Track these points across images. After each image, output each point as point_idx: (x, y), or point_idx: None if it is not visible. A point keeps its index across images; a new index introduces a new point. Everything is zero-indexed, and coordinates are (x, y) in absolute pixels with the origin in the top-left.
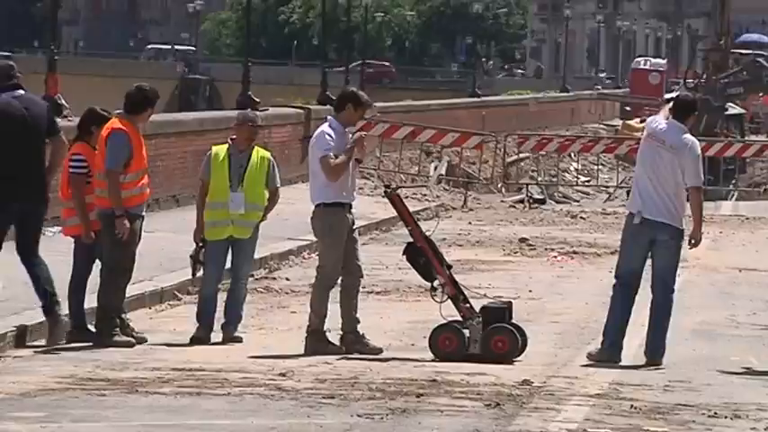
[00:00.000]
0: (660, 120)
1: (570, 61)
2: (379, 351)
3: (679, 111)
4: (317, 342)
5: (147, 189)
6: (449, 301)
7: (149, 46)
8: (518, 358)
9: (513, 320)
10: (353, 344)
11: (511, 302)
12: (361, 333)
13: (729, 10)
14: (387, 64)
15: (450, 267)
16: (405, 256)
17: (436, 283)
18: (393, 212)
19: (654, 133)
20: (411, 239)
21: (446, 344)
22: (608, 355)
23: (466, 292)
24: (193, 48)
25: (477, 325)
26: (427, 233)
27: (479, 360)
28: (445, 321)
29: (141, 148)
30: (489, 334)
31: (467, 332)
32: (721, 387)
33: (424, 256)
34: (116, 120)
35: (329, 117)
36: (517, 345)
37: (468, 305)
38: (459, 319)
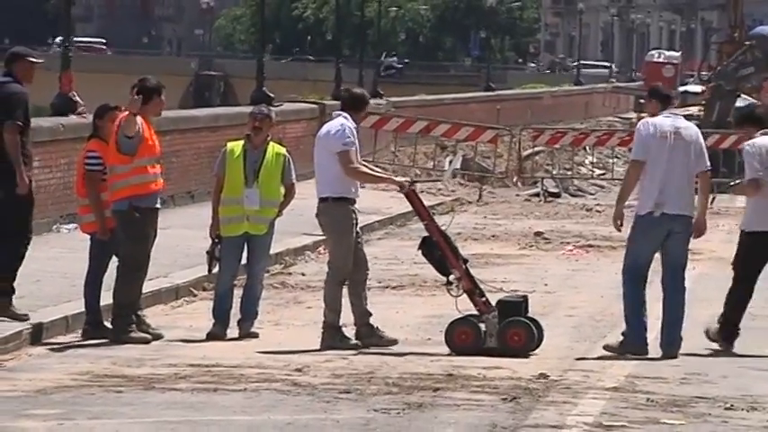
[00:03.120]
0: (659, 118)
1: (584, 54)
2: (395, 342)
3: (663, 101)
4: (332, 337)
5: (160, 179)
6: (465, 295)
7: (57, 39)
8: (534, 352)
9: (530, 314)
10: (368, 337)
11: (527, 296)
12: (375, 326)
13: (743, 2)
14: (103, 41)
15: (465, 261)
16: (420, 251)
17: (452, 277)
18: (408, 207)
19: (663, 130)
20: (426, 234)
21: (462, 338)
22: (638, 348)
23: (482, 287)
24: (103, 40)
25: (493, 319)
26: (442, 227)
27: (496, 354)
28: (461, 316)
29: (152, 138)
30: (505, 328)
31: (483, 326)
32: (737, 379)
33: (439, 251)
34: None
35: (343, 113)
36: (533, 338)
37: (484, 299)
38: (476, 313)
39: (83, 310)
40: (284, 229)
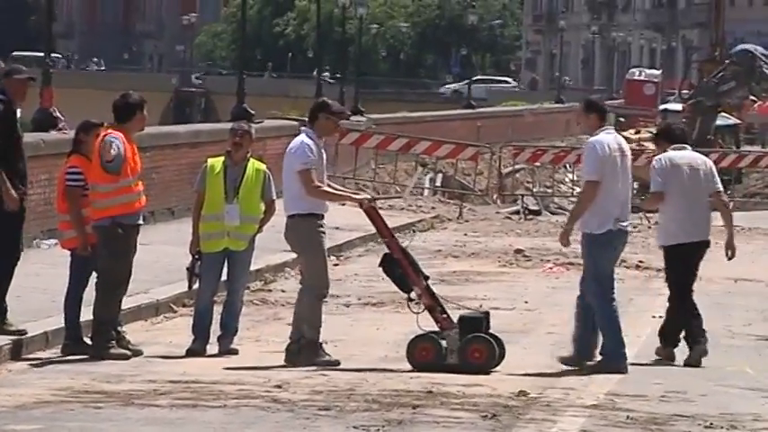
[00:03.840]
0: (604, 136)
1: (565, 72)
2: (338, 363)
3: (602, 115)
4: (314, 354)
5: (143, 197)
6: (426, 311)
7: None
8: (495, 369)
9: (492, 330)
10: (296, 354)
11: (488, 312)
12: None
13: (723, 21)
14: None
15: (426, 278)
16: (381, 267)
17: (413, 294)
18: (391, 224)
19: (612, 147)
20: (387, 251)
21: (423, 354)
22: (621, 365)
23: (443, 303)
24: (62, 55)
25: (454, 335)
26: (404, 244)
27: (457, 371)
28: (423, 332)
29: (134, 156)
30: (466, 344)
31: (444, 342)
32: (717, 397)
33: (400, 268)
34: (109, 128)
35: (304, 128)
36: (494, 355)
37: (445, 315)
38: (437, 329)
39: (63, 325)
40: (264, 245)
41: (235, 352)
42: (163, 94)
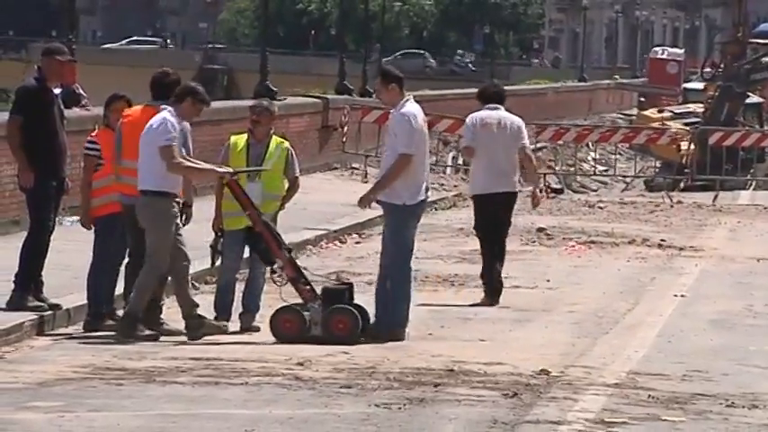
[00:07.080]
0: (416, 107)
1: (588, 51)
2: (225, 329)
3: (401, 84)
4: (131, 327)
5: None
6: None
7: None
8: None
9: (357, 301)
10: (197, 328)
11: (352, 284)
12: (203, 316)
13: (746, 0)
14: None
15: (289, 250)
16: (244, 242)
17: (276, 266)
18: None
19: (423, 119)
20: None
21: (287, 326)
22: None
23: (307, 275)
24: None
25: (317, 307)
26: (263, 217)
27: (320, 342)
28: (286, 304)
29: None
30: (330, 315)
31: (307, 314)
32: (739, 377)
33: (263, 241)
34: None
35: (167, 107)
36: (358, 325)
37: (308, 287)
38: (301, 301)
39: (85, 302)
40: (286, 223)
41: (257, 329)
42: (186, 71)
